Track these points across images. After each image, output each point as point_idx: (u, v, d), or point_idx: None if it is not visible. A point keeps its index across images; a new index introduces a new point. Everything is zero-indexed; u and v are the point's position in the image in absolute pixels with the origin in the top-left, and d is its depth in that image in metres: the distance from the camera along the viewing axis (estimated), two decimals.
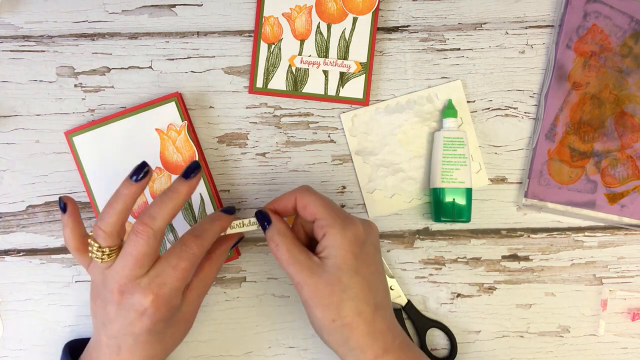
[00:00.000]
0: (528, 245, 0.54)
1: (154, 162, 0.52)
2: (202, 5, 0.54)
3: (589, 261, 0.54)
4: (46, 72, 0.54)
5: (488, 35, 0.55)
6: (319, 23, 0.54)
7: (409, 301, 0.53)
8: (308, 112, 0.54)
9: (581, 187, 0.53)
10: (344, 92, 0.54)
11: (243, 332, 0.53)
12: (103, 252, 0.41)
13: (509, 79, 0.55)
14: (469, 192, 0.51)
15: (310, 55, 0.54)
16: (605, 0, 0.53)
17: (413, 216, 0.54)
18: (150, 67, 0.54)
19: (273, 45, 0.54)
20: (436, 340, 0.53)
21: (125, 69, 0.54)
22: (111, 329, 0.42)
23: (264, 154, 0.54)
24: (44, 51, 0.54)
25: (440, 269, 0.54)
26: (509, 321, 0.54)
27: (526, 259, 0.54)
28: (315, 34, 0.54)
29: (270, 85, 0.54)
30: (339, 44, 0.54)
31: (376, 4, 0.53)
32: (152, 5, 0.54)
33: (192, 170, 0.42)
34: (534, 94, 0.55)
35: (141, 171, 0.41)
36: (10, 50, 0.54)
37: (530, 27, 0.55)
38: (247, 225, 0.46)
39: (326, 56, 0.54)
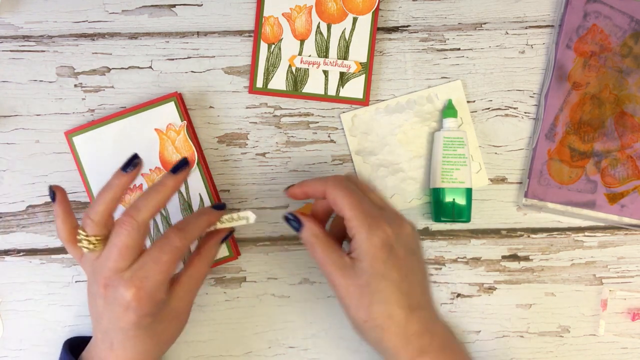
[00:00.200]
0: (528, 245, 0.54)
1: (154, 162, 0.52)
2: (202, 5, 0.54)
3: (589, 261, 0.54)
4: (46, 72, 0.54)
5: (488, 35, 0.55)
6: (319, 23, 0.54)
7: None
8: (308, 112, 0.54)
9: (581, 187, 0.53)
10: (344, 92, 0.54)
11: (243, 332, 0.53)
12: (89, 240, 0.42)
13: (509, 79, 0.55)
14: (469, 192, 0.51)
15: (310, 55, 0.54)
16: (605, 0, 0.53)
17: (413, 216, 0.54)
18: (150, 67, 0.54)
19: (273, 45, 0.54)
20: None
21: (125, 69, 0.54)
22: (102, 323, 0.42)
23: (264, 154, 0.54)
24: (44, 51, 0.54)
25: (440, 269, 0.54)
26: (509, 321, 0.54)
27: (526, 259, 0.54)
28: (315, 34, 0.54)
29: (270, 85, 0.54)
30: (339, 44, 0.54)
31: (376, 4, 0.53)
32: (152, 5, 0.54)
33: (180, 166, 0.44)
34: (534, 94, 0.55)
35: (131, 163, 0.43)
36: (10, 50, 0.54)
37: (530, 27, 0.55)
38: (236, 219, 0.46)
39: (326, 56, 0.54)
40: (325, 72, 0.54)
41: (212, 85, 0.54)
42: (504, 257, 0.54)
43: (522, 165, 0.54)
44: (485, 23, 0.55)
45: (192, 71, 0.54)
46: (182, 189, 0.52)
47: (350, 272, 0.42)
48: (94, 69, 0.54)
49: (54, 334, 0.53)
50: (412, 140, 0.54)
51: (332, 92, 0.54)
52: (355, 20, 0.53)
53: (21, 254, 0.53)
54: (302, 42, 0.54)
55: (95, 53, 0.54)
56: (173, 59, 0.54)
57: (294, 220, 0.45)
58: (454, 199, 0.51)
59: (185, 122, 0.52)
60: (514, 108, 0.54)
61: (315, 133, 0.54)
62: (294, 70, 0.54)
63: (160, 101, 0.52)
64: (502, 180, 0.55)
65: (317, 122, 0.54)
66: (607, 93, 0.53)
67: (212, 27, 0.54)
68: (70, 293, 0.53)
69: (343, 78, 0.54)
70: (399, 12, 0.55)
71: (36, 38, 0.54)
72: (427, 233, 0.54)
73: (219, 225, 0.46)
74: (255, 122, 0.54)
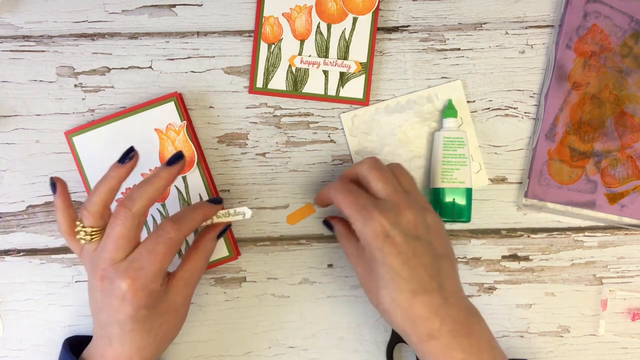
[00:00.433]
0: (528, 245, 0.54)
1: (154, 162, 0.52)
2: (202, 5, 0.54)
3: (589, 261, 0.54)
4: (46, 72, 0.54)
5: (488, 35, 0.55)
6: (319, 23, 0.54)
7: None
8: (308, 112, 0.54)
9: (581, 187, 0.53)
10: (344, 92, 0.54)
11: (243, 332, 0.53)
12: (86, 232, 0.43)
13: (509, 79, 0.55)
14: (469, 192, 0.51)
15: (310, 55, 0.54)
16: (605, 0, 0.53)
17: None
18: (150, 67, 0.54)
19: (273, 45, 0.54)
20: None
21: (125, 69, 0.54)
22: (101, 318, 0.42)
23: (264, 154, 0.54)
24: (44, 51, 0.54)
25: None
26: (509, 321, 0.54)
27: (526, 259, 0.54)
28: (315, 34, 0.54)
29: (270, 85, 0.54)
30: (339, 44, 0.54)
31: (376, 4, 0.53)
32: (152, 5, 0.54)
33: (175, 159, 0.45)
34: (534, 94, 0.55)
35: (128, 155, 0.44)
36: (10, 50, 0.54)
37: (530, 27, 0.55)
38: (232, 215, 0.47)
39: (326, 56, 0.54)
40: (325, 72, 0.54)
41: (212, 85, 0.54)
42: (504, 257, 0.54)
43: (522, 165, 0.54)
44: (485, 23, 0.55)
45: (192, 71, 0.54)
46: (182, 188, 0.52)
47: (361, 261, 0.45)
48: (94, 69, 0.54)
49: (53, 334, 0.53)
50: (412, 140, 0.54)
51: (332, 92, 0.54)
52: (355, 20, 0.53)
53: (21, 254, 0.53)
54: (302, 42, 0.54)
55: (95, 53, 0.54)
56: (173, 59, 0.54)
57: (326, 223, 0.50)
58: (454, 199, 0.51)
59: (185, 122, 0.52)
60: (514, 108, 0.55)
61: (315, 133, 0.54)
62: (294, 70, 0.54)
63: (160, 101, 0.52)
64: (502, 180, 0.55)
65: (317, 122, 0.54)
66: (607, 93, 0.53)
67: (212, 27, 0.54)
68: (70, 293, 0.53)
69: (343, 78, 0.54)
70: (399, 12, 0.55)
71: (36, 38, 0.54)
72: None
73: (216, 220, 0.47)
74: (255, 122, 0.54)
